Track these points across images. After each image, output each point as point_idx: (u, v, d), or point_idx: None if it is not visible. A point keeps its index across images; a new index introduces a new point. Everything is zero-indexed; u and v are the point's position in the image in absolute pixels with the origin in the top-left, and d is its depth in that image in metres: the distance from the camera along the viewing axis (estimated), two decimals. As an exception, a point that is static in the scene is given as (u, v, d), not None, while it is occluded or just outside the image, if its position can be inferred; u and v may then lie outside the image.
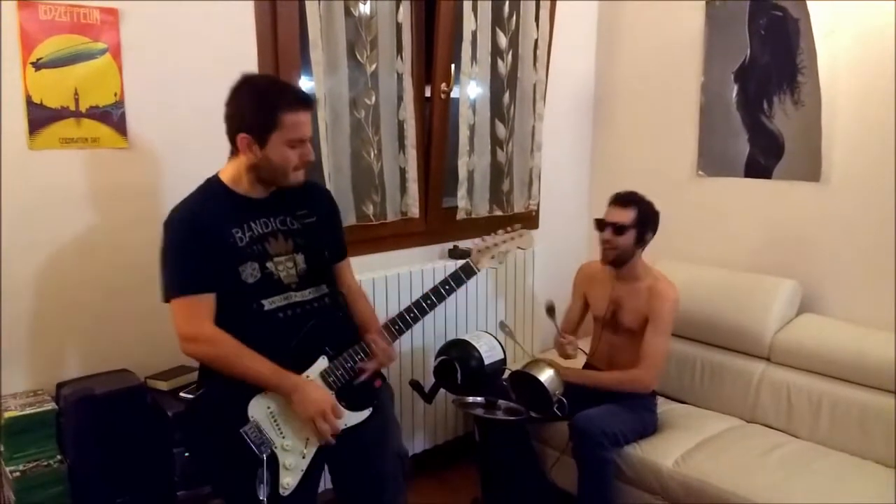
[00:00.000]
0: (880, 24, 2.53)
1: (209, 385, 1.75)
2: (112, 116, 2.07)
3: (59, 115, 1.98)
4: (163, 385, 2.11)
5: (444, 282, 1.92)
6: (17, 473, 1.82)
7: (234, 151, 1.75)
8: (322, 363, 1.77)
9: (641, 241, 2.46)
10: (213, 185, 1.78)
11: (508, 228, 2.06)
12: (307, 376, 1.74)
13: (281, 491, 1.68)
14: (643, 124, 3.36)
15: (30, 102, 1.92)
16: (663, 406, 2.67)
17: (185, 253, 1.69)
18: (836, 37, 2.65)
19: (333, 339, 1.80)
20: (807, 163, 2.78)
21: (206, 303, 1.68)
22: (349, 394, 1.79)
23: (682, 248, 3.09)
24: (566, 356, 2.57)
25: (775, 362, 2.66)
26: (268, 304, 1.73)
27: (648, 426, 2.48)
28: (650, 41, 3.28)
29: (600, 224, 2.47)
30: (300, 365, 1.74)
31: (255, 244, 1.74)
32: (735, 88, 2.98)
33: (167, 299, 1.69)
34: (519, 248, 2.06)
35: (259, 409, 1.69)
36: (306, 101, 1.73)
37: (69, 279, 2.06)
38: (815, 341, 2.57)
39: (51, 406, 1.92)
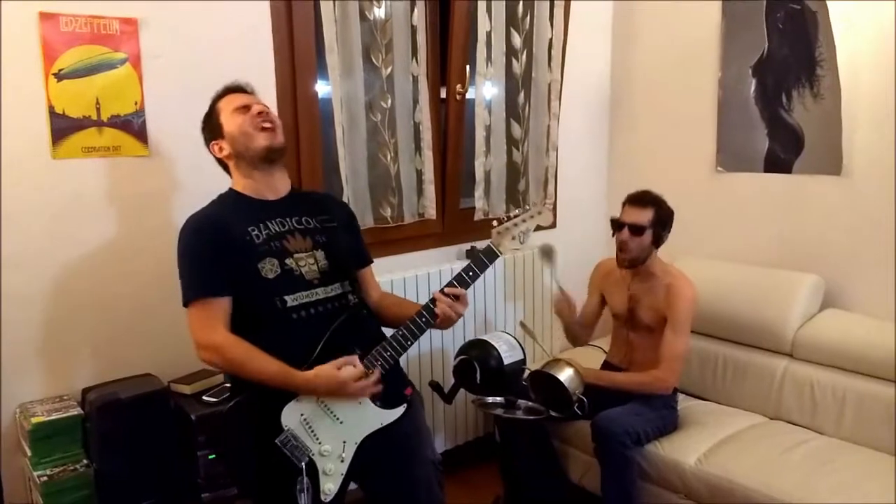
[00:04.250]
0: (900, 14, 2.50)
1: (241, 394, 1.73)
2: (133, 125, 2.10)
3: (81, 124, 2.01)
4: (186, 389, 2.13)
5: (468, 268, 1.82)
6: (45, 478, 1.85)
7: (228, 168, 1.86)
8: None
9: (658, 241, 2.44)
10: (226, 195, 1.84)
11: (527, 206, 1.96)
12: None
13: (322, 497, 1.66)
14: (660, 121, 3.34)
15: (52, 112, 1.96)
16: (685, 403, 2.66)
17: (196, 258, 1.70)
18: (855, 29, 2.62)
19: (360, 336, 1.77)
20: (827, 156, 2.75)
21: (218, 307, 1.68)
22: (381, 392, 1.74)
23: (702, 244, 3.07)
24: (562, 316, 2.59)
25: (798, 358, 2.63)
26: (291, 300, 1.71)
27: (669, 424, 2.47)
28: (666, 37, 3.26)
29: (617, 224, 2.46)
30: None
31: (273, 241, 1.74)
32: (753, 83, 2.96)
33: (184, 304, 1.71)
34: (539, 225, 1.91)
35: (292, 418, 1.66)
36: (232, 87, 1.87)
37: (92, 285, 2.09)
38: (839, 336, 2.54)
39: (76, 411, 1.95)
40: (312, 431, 1.68)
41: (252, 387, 1.67)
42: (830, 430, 2.48)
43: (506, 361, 2.34)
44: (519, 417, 2.34)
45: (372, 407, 1.73)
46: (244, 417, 1.70)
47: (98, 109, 2.04)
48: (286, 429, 1.65)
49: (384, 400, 1.75)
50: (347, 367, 1.66)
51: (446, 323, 1.81)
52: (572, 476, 2.64)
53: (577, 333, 2.68)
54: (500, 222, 1.88)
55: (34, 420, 1.88)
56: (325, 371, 1.65)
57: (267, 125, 1.79)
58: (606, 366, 2.66)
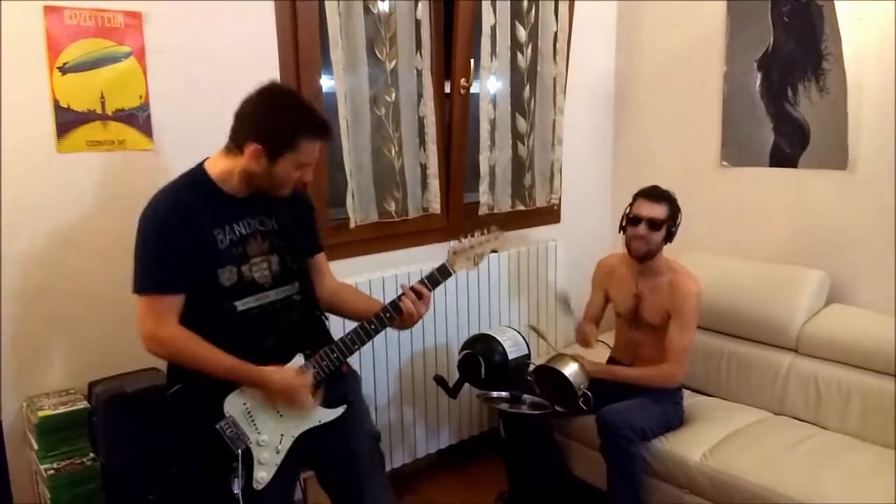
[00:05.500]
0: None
1: (183, 381, 1.73)
2: (138, 119, 2.09)
3: (85, 118, 2.01)
4: (191, 383, 2.13)
5: (420, 282, 1.88)
6: (52, 471, 1.86)
7: (233, 150, 1.70)
8: (298, 360, 1.76)
9: (670, 236, 2.44)
10: (198, 180, 1.73)
11: (485, 230, 1.97)
12: None
13: (255, 485, 1.70)
14: (665, 115, 3.33)
15: (57, 106, 1.95)
16: (690, 399, 2.66)
17: (159, 250, 1.65)
18: (862, 22, 2.60)
19: (308, 335, 1.81)
20: (833, 151, 2.74)
21: (173, 303, 1.66)
22: (324, 391, 1.81)
23: (707, 239, 3.06)
24: (587, 344, 2.56)
25: (803, 353, 2.63)
26: (241, 304, 1.72)
27: (675, 419, 2.47)
28: (671, 30, 3.25)
29: (633, 219, 2.44)
30: (276, 362, 1.73)
31: (236, 246, 1.72)
32: (758, 77, 2.94)
33: (135, 291, 1.67)
34: (493, 250, 1.98)
35: (235, 405, 1.70)
36: (327, 132, 1.72)
37: (98, 279, 2.09)
38: (844, 332, 2.54)
39: (83, 405, 1.96)
40: (253, 421, 1.72)
41: (193, 374, 1.68)
42: (835, 425, 2.48)
43: (510, 356, 2.35)
44: (523, 412, 2.34)
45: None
46: (185, 404, 1.72)
47: (103, 103, 2.03)
48: (227, 415, 1.69)
49: (325, 400, 1.80)
50: (306, 375, 1.72)
51: (408, 321, 1.85)
52: (576, 471, 2.64)
53: (592, 341, 2.62)
54: (459, 240, 1.93)
55: (41, 414, 1.89)
56: (282, 372, 1.70)
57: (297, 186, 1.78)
58: (611, 362, 2.65)
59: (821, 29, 2.72)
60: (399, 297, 1.84)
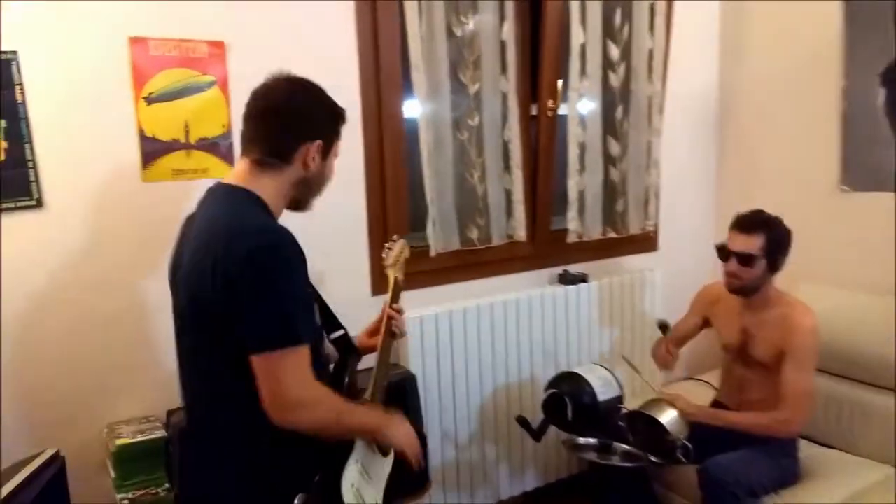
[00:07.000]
0: None
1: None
2: (220, 147, 2.11)
3: (170, 147, 2.03)
4: (266, 415, 2.09)
5: (389, 304, 1.81)
6: (126, 501, 1.85)
7: (275, 164, 1.44)
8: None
9: (774, 268, 2.20)
10: (264, 208, 1.44)
11: (392, 238, 1.93)
12: None
13: None
14: (775, 135, 3.08)
15: (142, 136, 1.99)
16: (806, 451, 2.37)
17: (301, 291, 1.38)
18: None
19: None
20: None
21: (309, 355, 1.38)
22: None
23: (824, 270, 2.78)
24: (665, 366, 2.45)
25: (939, 403, 2.32)
26: (323, 349, 1.59)
27: (789, 475, 2.21)
28: (780, 43, 3.02)
29: (723, 253, 2.22)
30: None
31: None
32: (882, 93, 2.66)
33: (284, 345, 1.32)
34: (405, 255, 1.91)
35: (353, 473, 1.55)
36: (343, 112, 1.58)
37: (179, 308, 2.10)
38: None
39: (160, 433, 1.95)
40: (368, 475, 1.61)
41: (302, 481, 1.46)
42: (982, 488, 2.15)
43: (600, 398, 2.18)
44: (614, 464, 2.15)
45: None
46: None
47: (187, 132, 2.05)
48: (352, 486, 1.53)
49: None
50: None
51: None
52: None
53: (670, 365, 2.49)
54: (384, 257, 1.88)
55: (118, 442, 1.89)
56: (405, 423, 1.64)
57: None
58: (716, 405, 2.43)
59: (955, 38, 2.42)
60: (387, 324, 1.76)
